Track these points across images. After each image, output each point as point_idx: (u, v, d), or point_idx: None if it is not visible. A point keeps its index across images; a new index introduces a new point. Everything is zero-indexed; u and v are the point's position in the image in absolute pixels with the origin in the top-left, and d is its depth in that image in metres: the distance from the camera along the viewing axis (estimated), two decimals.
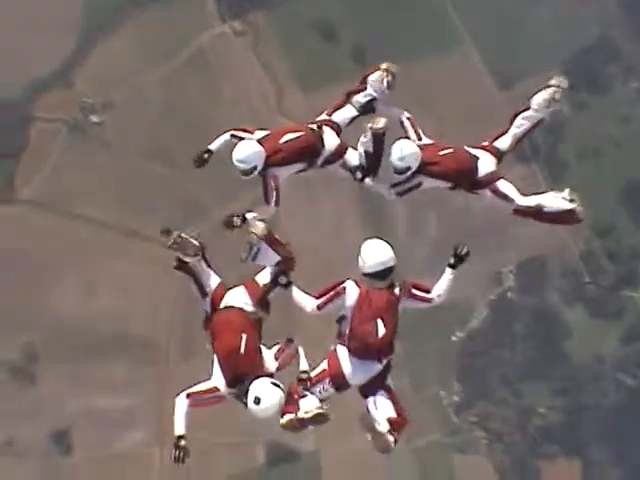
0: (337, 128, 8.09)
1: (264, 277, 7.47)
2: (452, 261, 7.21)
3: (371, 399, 6.78)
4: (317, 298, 6.98)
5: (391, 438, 6.49)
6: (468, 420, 35.31)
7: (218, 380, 6.90)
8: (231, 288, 7.36)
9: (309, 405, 6.54)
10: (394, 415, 6.66)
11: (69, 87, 35.60)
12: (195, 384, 7.02)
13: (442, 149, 8.04)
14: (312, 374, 6.93)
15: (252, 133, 7.79)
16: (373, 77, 8.14)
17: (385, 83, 8.10)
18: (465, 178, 8.00)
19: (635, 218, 35.88)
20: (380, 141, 7.73)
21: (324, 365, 6.95)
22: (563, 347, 35.63)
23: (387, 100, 8.29)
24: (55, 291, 34.29)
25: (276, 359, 7.00)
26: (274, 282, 7.28)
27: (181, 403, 6.95)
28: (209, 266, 7.34)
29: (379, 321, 6.66)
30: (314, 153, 7.78)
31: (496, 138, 8.41)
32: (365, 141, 7.82)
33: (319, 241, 33.24)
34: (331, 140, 7.92)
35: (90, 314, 34.16)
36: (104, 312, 34.19)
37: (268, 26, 36.22)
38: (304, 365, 7.06)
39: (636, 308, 35.69)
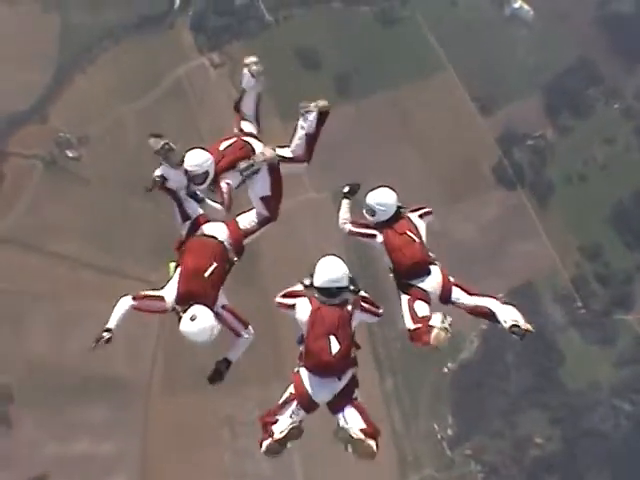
0: (254, 136, 8.40)
1: (246, 220, 7.80)
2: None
3: (340, 415, 6.79)
4: (282, 296, 7.17)
5: (372, 442, 6.55)
6: (463, 454, 34.12)
7: (169, 293, 7.11)
8: (210, 221, 7.66)
9: (282, 426, 6.68)
10: (365, 426, 6.66)
11: (44, 122, 34.89)
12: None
13: (413, 232, 7.95)
14: (282, 400, 6.97)
15: None
16: (242, 76, 8.51)
17: (249, 73, 8.43)
18: (402, 270, 7.85)
19: (624, 240, 35.39)
20: (323, 120, 8.02)
21: (291, 389, 6.97)
22: (558, 375, 34.73)
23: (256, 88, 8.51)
24: (31, 331, 32.98)
25: (222, 308, 7.10)
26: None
27: (124, 301, 7.36)
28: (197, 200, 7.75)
29: (332, 338, 6.72)
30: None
31: (463, 289, 7.83)
32: (309, 121, 8.04)
33: (299, 254, 32.08)
34: (257, 145, 8.20)
35: (67, 355, 32.69)
36: (82, 352, 32.85)
37: (246, 56, 35.63)
38: (234, 356, 7.27)
39: (629, 331, 34.99)
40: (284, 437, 6.62)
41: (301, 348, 6.95)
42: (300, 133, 8.14)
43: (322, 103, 7.95)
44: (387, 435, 33.66)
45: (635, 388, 34.49)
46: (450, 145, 34.52)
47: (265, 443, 6.67)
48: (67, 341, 33.10)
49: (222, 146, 7.98)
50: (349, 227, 8.04)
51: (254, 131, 8.43)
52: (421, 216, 8.05)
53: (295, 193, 33.13)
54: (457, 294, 7.69)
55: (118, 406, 32.88)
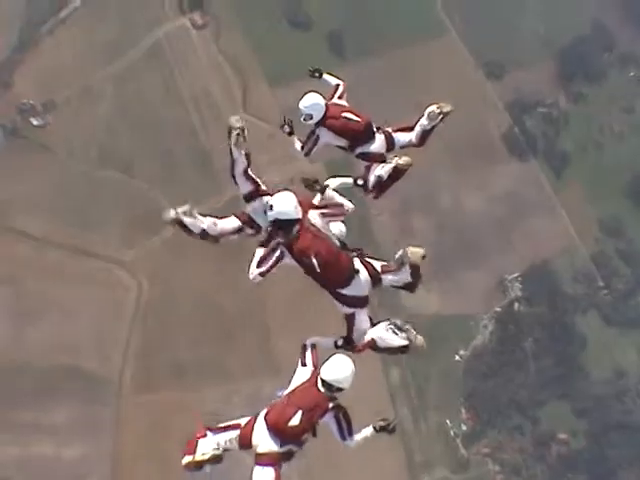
0: (390, 143, 8.80)
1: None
2: (378, 427, 7.49)
3: (258, 468, 7.17)
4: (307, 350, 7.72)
5: None
6: (479, 452, 30.66)
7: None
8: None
9: (206, 447, 7.18)
10: None
11: (7, 87, 31.45)
12: None
13: (317, 243, 7.66)
14: (228, 424, 7.45)
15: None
16: (429, 109, 8.75)
17: (437, 116, 8.71)
18: (326, 288, 7.86)
19: None
20: (398, 175, 8.42)
21: (243, 421, 7.36)
22: (580, 362, 31.50)
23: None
24: None
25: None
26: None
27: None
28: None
29: (299, 413, 7.10)
30: (360, 140, 8.70)
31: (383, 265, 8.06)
32: (386, 169, 8.46)
33: None
34: (380, 145, 8.77)
35: (26, 347, 28.92)
36: (42, 344, 29.00)
37: (231, 16, 32.72)
38: None
39: None
40: (204, 460, 7.09)
41: (278, 396, 7.37)
42: (378, 171, 8.56)
43: (402, 162, 8.32)
44: (395, 434, 29.96)
45: None
46: (456, 112, 31.22)
47: (187, 459, 7.10)
48: (28, 331, 29.27)
49: (346, 114, 8.63)
50: (258, 272, 7.66)
51: (397, 142, 8.84)
52: (324, 215, 7.77)
53: (287, 163, 30.03)
54: (385, 277, 7.80)
55: (86, 404, 29.00)
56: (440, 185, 31.01)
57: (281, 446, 7.14)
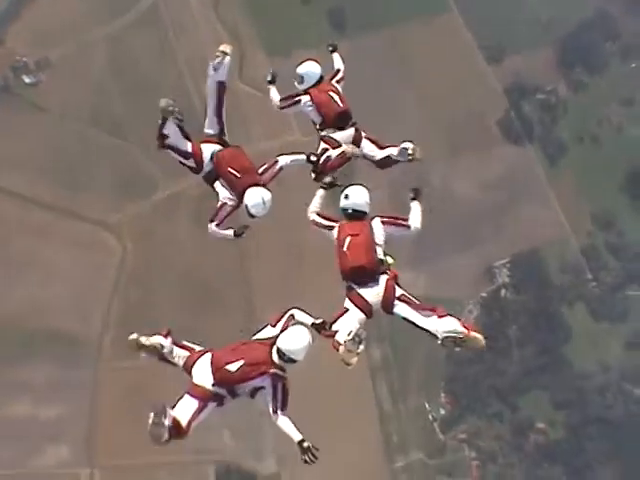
0: (357, 143, 9.05)
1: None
2: (301, 445, 7.23)
3: (187, 397, 7.38)
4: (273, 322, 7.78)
5: (166, 435, 7.10)
6: (456, 437, 30.48)
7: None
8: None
9: (155, 340, 7.55)
10: (184, 423, 7.23)
11: (0, 43, 30.90)
12: None
13: (363, 237, 8.10)
14: (187, 344, 7.78)
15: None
16: (405, 145, 8.86)
17: (406, 156, 8.89)
18: (342, 272, 8.06)
19: (639, 209, 32.17)
20: (343, 161, 8.89)
21: (198, 348, 7.70)
22: (564, 353, 31.30)
23: None
24: None
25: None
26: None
27: None
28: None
29: (240, 362, 7.33)
30: (333, 122, 9.08)
31: (408, 302, 7.92)
32: (335, 152, 8.92)
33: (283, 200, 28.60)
34: (346, 138, 9.05)
35: (7, 307, 28.58)
36: (23, 303, 28.77)
37: None
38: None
39: None
40: (143, 345, 7.44)
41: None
42: (332, 153, 8.95)
43: (352, 150, 8.85)
44: (373, 414, 29.91)
45: None
46: (453, 93, 31.30)
47: (133, 335, 7.47)
48: (11, 288, 28.97)
49: (332, 94, 9.08)
50: (314, 217, 8.25)
51: (368, 152, 9.05)
52: (384, 222, 8.06)
53: (281, 134, 29.68)
54: (400, 309, 7.76)
55: (64, 366, 28.82)
56: (433, 167, 30.58)
57: (213, 385, 7.35)
